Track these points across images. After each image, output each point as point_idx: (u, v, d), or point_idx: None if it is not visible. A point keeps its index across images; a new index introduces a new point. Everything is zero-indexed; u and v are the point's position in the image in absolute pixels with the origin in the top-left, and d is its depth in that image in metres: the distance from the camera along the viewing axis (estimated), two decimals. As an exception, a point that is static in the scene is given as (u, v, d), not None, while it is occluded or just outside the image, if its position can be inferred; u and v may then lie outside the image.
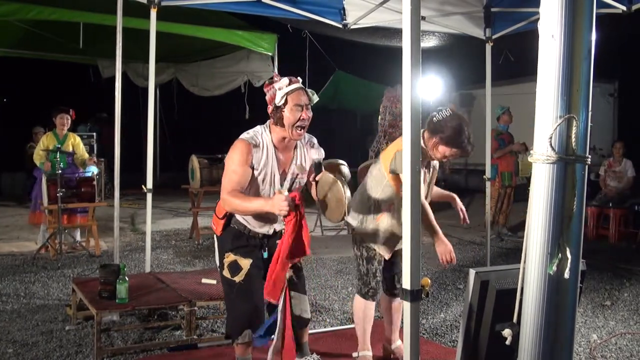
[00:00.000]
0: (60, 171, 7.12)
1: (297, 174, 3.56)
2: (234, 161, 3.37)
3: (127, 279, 4.50)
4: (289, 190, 3.50)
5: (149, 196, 5.66)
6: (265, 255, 3.61)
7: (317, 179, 3.48)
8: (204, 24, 8.84)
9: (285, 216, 3.25)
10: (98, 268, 4.94)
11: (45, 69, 14.84)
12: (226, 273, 3.53)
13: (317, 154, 3.61)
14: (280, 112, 3.37)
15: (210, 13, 8.04)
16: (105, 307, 4.43)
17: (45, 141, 7.71)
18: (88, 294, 4.66)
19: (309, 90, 3.47)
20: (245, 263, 3.50)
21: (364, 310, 4.11)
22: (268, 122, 3.49)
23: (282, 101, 3.36)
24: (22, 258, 7.44)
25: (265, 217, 3.50)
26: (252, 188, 3.45)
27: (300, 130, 3.39)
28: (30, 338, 4.69)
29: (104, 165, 12.06)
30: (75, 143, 7.86)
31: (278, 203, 3.16)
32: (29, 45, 10.86)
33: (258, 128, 3.50)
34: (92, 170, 8.28)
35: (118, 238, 5.57)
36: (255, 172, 3.40)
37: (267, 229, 3.58)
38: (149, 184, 5.63)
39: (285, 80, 3.40)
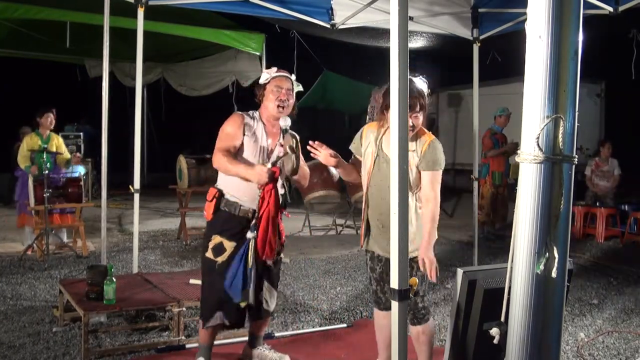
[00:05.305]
0: (47, 171, 7.06)
1: (283, 155, 3.74)
2: (227, 125, 3.78)
3: (114, 279, 4.48)
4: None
5: (137, 196, 5.65)
6: (251, 235, 3.72)
7: (281, 142, 3.72)
8: (191, 24, 8.81)
9: (263, 185, 3.61)
10: (85, 269, 4.91)
11: (32, 68, 14.68)
12: (209, 254, 3.73)
13: (284, 121, 3.76)
14: (262, 90, 3.82)
15: (198, 12, 8.00)
16: (93, 308, 4.41)
17: (30, 141, 7.63)
18: (75, 295, 4.64)
19: (295, 82, 3.88)
20: (230, 245, 3.70)
21: (374, 319, 3.84)
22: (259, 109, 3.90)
23: (266, 81, 3.81)
24: (8, 259, 7.37)
25: (254, 190, 3.68)
26: (242, 159, 3.72)
27: (280, 108, 3.75)
28: (17, 340, 4.66)
29: (90, 165, 11.96)
30: (59, 144, 7.80)
31: (260, 172, 3.56)
32: (15, 45, 10.76)
33: (250, 111, 3.90)
34: (80, 170, 8.22)
35: (105, 239, 5.54)
36: (246, 138, 3.72)
37: (257, 203, 3.72)
38: (137, 184, 5.62)
39: (275, 68, 3.88)
